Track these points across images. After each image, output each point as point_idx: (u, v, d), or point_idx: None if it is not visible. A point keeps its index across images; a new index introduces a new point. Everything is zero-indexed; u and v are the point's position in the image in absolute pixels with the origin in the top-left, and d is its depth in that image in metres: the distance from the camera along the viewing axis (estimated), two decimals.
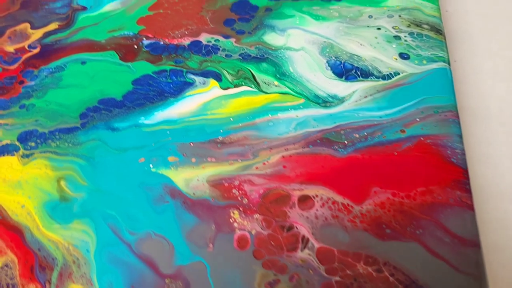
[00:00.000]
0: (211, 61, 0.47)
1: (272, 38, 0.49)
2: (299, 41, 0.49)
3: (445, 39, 0.48)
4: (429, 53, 0.46)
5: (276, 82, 0.46)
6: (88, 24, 0.51)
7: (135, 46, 0.49)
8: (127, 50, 0.48)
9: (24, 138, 0.44)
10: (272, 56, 0.47)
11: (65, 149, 0.43)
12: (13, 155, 0.43)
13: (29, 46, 0.50)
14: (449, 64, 0.45)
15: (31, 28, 0.51)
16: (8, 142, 0.43)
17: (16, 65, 0.49)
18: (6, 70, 0.48)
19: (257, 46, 0.48)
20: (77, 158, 0.42)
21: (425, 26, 0.48)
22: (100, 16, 0.52)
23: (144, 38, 0.49)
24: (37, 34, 0.51)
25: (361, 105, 0.44)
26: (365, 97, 0.45)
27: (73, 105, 0.45)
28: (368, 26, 0.49)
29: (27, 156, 0.43)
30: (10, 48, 0.50)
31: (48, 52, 0.49)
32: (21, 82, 0.47)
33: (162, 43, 0.49)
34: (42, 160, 0.42)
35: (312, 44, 0.48)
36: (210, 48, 0.48)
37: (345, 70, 0.46)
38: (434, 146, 0.41)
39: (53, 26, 0.51)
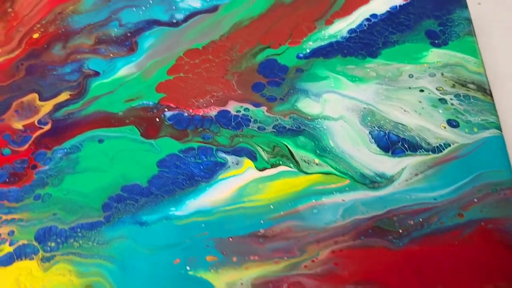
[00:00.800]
0: (242, 136, 0.43)
1: (306, 105, 0.44)
2: (337, 109, 0.44)
3: (493, 100, 0.43)
4: (479, 119, 0.42)
5: (316, 160, 0.41)
6: (103, 92, 0.46)
7: (157, 119, 0.44)
8: (148, 124, 0.43)
9: (42, 237, 0.39)
10: (309, 128, 0.43)
11: (90, 249, 0.38)
12: (32, 258, 0.38)
13: (39, 122, 0.45)
14: (501, 130, 0.41)
15: (40, 99, 0.46)
16: (25, 242, 0.38)
17: (26, 146, 0.43)
18: (15, 152, 0.43)
19: (292, 115, 0.44)
20: (104, 261, 0.38)
21: (471, 86, 0.44)
22: (115, 83, 0.46)
23: (166, 109, 0.44)
24: (46, 106, 0.45)
25: (412, 185, 0.40)
26: (416, 175, 0.40)
27: (93, 193, 0.40)
28: (409, 88, 0.45)
29: (48, 259, 0.38)
30: (18, 125, 0.44)
31: (61, 128, 0.44)
32: (34, 167, 0.42)
33: (186, 114, 0.44)
34: (65, 265, 0.38)
35: (352, 112, 0.44)
36: (240, 119, 0.44)
37: (391, 143, 0.42)
38: (496, 232, 0.37)
39: (64, 96, 0.46)
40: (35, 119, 0.45)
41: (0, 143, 0.44)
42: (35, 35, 0.50)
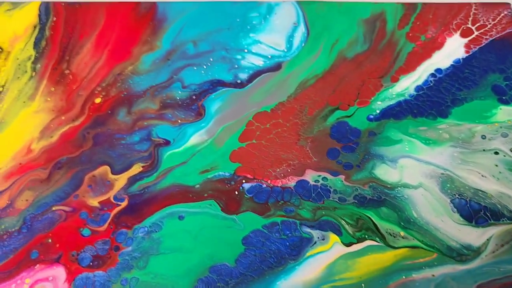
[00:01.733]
0: (325, 208, 0.42)
1: (384, 172, 0.44)
2: (415, 175, 0.44)
3: None
4: None
5: (402, 233, 0.41)
6: (176, 163, 0.45)
7: (236, 192, 0.43)
8: (227, 198, 0.43)
9: None
10: (389, 197, 0.43)
11: None
12: None
13: (115, 198, 0.44)
14: None
15: (112, 172, 0.45)
16: None
17: (105, 225, 0.43)
18: (95, 233, 0.42)
19: (371, 184, 0.43)
20: None
21: None
22: (188, 152, 0.46)
23: (244, 181, 0.44)
24: (120, 180, 0.45)
25: (499, 257, 0.40)
26: (502, 245, 0.41)
27: (181, 276, 0.40)
28: (484, 150, 0.45)
29: None
30: (94, 202, 0.44)
31: (138, 204, 0.44)
32: (117, 249, 0.42)
33: (265, 185, 0.44)
34: None
35: (430, 178, 0.44)
36: (319, 189, 0.43)
37: (473, 212, 0.42)
38: None
39: (136, 168, 0.45)
40: (110, 194, 0.44)
41: (78, 223, 0.43)
42: (97, 100, 0.49)
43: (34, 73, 0.51)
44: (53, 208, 0.44)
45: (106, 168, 0.46)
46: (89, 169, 0.46)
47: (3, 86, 0.50)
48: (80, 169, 0.46)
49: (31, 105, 0.50)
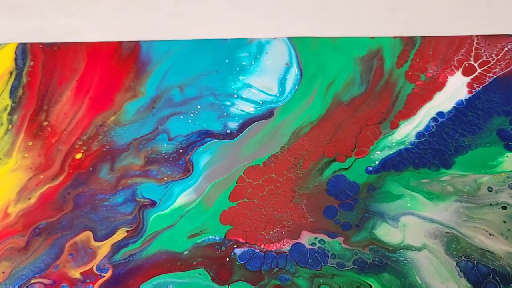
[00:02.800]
0: (323, 276, 0.39)
1: (385, 233, 0.41)
2: (419, 235, 0.41)
3: None
4: None
5: None
6: (163, 227, 0.42)
7: (227, 259, 0.40)
8: (218, 266, 0.40)
9: None
10: (391, 261, 0.40)
11: None
12: None
13: (98, 268, 0.41)
14: None
15: (95, 238, 0.42)
16: None
17: None
18: None
19: (371, 246, 0.40)
20: None
21: None
22: (175, 214, 0.43)
23: (235, 245, 0.40)
24: (104, 248, 0.41)
25: None
26: None
27: None
28: (491, 205, 0.42)
29: None
30: (76, 273, 0.41)
31: (123, 275, 0.41)
32: None
33: (258, 250, 0.40)
34: None
35: (434, 239, 0.41)
36: (316, 254, 0.40)
37: (481, 276, 0.39)
38: None
39: (121, 233, 0.42)
40: (93, 264, 0.41)
41: None
42: (78, 155, 0.46)
43: (10, 126, 0.47)
44: (32, 281, 0.41)
45: (89, 234, 0.42)
46: (70, 236, 0.42)
47: None
48: (61, 235, 0.42)
49: (7, 163, 0.46)
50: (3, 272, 0.41)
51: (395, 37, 0.52)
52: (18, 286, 0.41)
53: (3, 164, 0.46)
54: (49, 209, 0.44)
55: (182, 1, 0.55)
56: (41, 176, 0.45)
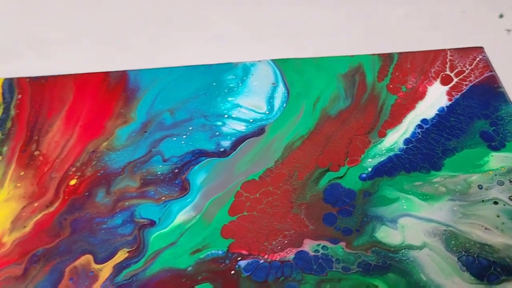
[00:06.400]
0: (329, 281, 0.40)
1: (385, 235, 0.42)
2: (418, 235, 0.42)
3: None
4: None
5: None
6: (164, 245, 0.42)
7: (232, 272, 0.40)
8: (223, 280, 0.40)
9: None
10: (395, 261, 0.40)
11: None
12: None
13: None
14: None
15: (95, 261, 0.41)
16: None
17: None
18: None
19: (373, 249, 0.41)
20: None
21: None
22: (175, 232, 0.42)
23: (239, 258, 0.40)
24: (105, 270, 0.41)
25: None
26: None
27: None
28: (483, 201, 0.43)
29: None
30: None
31: None
32: None
33: (262, 261, 0.40)
34: None
35: (434, 237, 0.42)
36: (320, 260, 0.40)
37: (483, 268, 0.40)
38: None
39: (122, 254, 0.41)
40: (95, 287, 0.40)
41: None
42: (72, 182, 0.46)
43: (0, 157, 0.47)
44: None
45: (89, 257, 0.42)
46: (69, 260, 0.42)
47: None
48: (59, 261, 0.41)
49: (0, 193, 0.45)
50: None
51: (373, 54, 0.54)
52: None
53: None
54: (46, 236, 0.43)
55: (164, 31, 0.57)
56: (36, 204, 0.45)
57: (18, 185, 0.46)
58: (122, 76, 0.54)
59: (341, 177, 0.46)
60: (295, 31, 0.58)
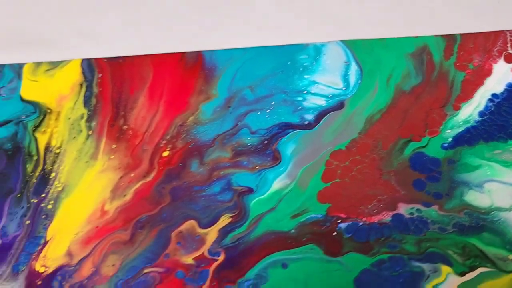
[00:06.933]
0: (428, 240, 0.41)
1: (474, 198, 0.44)
2: (505, 198, 0.44)
3: None
4: None
5: (510, 256, 0.41)
6: (264, 210, 0.43)
7: (334, 233, 0.42)
8: (327, 240, 0.41)
9: None
10: (487, 222, 0.42)
11: None
12: None
13: (210, 253, 0.41)
14: None
15: (200, 226, 0.43)
16: None
17: (207, 283, 0.40)
18: None
19: (465, 211, 0.43)
20: None
21: None
22: (274, 198, 0.44)
23: (339, 221, 0.42)
24: (211, 234, 0.42)
25: None
26: None
27: None
28: None
29: None
30: (188, 259, 0.41)
31: (236, 257, 0.41)
32: None
33: (361, 224, 0.42)
34: None
35: None
36: (416, 222, 0.42)
37: None
38: None
39: (225, 219, 0.43)
40: (203, 250, 0.42)
41: (177, 284, 0.40)
42: (165, 153, 0.47)
43: (90, 132, 0.48)
44: (145, 271, 0.41)
45: (192, 222, 0.43)
46: (174, 226, 0.43)
47: (60, 147, 0.47)
48: (164, 226, 0.43)
49: (94, 165, 0.47)
50: (113, 265, 0.41)
51: (436, 35, 0.57)
52: (132, 277, 0.41)
53: (91, 166, 0.47)
54: (147, 203, 0.44)
55: (233, 12, 0.59)
56: (132, 175, 0.46)
57: (112, 157, 0.47)
58: (198, 56, 0.55)
59: (424, 147, 0.48)
60: (351, 14, 0.60)
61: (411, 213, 0.43)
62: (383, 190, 0.45)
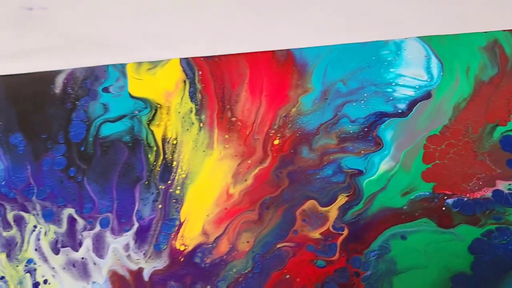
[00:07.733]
0: None
1: None
2: None
3: None
4: None
5: None
6: (376, 189, 0.48)
7: (443, 208, 0.47)
8: (438, 215, 0.46)
9: None
10: None
11: None
12: None
13: (334, 228, 0.46)
14: None
15: (320, 205, 0.47)
16: None
17: (337, 254, 0.44)
18: (330, 263, 0.44)
19: None
20: None
21: None
22: (383, 178, 0.49)
23: (446, 197, 0.47)
24: (332, 211, 0.47)
25: None
26: None
27: None
28: None
29: None
30: (316, 234, 0.46)
31: (359, 231, 0.46)
32: (357, 274, 0.43)
33: (465, 199, 0.47)
34: None
35: None
36: None
37: None
38: None
39: (342, 199, 0.48)
40: (328, 225, 0.46)
41: (309, 256, 0.45)
42: (276, 141, 0.52)
43: (201, 124, 0.53)
44: (278, 246, 0.45)
45: (313, 202, 0.48)
46: (297, 205, 0.48)
47: (176, 139, 0.52)
48: (288, 206, 0.47)
49: (212, 154, 0.51)
50: (248, 242, 0.46)
51: (504, 30, 0.62)
52: (267, 251, 0.45)
53: (208, 155, 0.51)
54: (268, 186, 0.49)
55: (309, 12, 0.64)
56: (249, 161, 0.51)
57: (227, 146, 0.52)
58: (288, 54, 0.60)
59: (511, 130, 0.53)
60: (424, 12, 0.66)
61: (509, 189, 0.48)
62: (480, 169, 0.50)
